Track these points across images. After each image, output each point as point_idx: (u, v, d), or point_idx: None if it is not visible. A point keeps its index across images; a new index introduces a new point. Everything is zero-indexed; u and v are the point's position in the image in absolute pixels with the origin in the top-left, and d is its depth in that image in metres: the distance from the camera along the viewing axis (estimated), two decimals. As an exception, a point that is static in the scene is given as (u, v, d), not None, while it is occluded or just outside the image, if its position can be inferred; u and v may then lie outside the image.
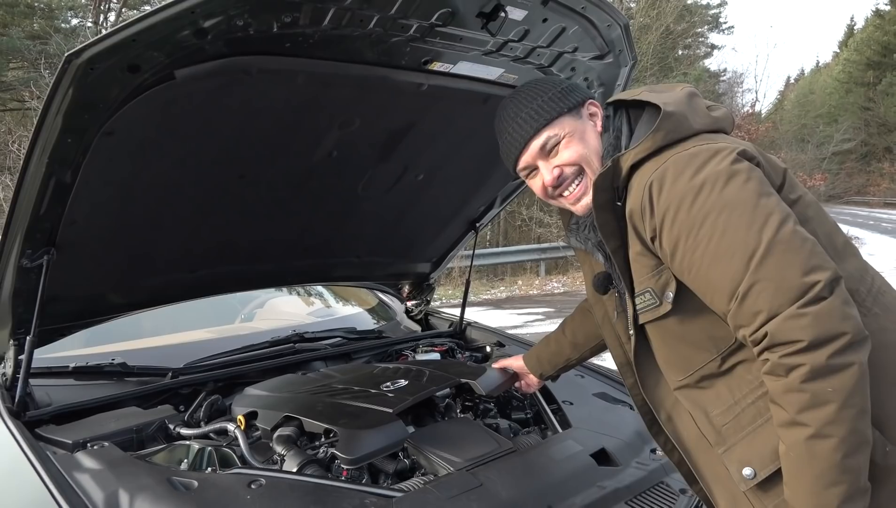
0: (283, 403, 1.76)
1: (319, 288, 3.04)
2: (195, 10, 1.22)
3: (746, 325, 1.09)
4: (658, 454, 1.84)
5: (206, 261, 2.01)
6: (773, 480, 1.16)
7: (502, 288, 11.67)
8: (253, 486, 1.39)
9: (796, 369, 1.03)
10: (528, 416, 2.05)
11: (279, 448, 1.60)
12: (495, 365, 1.99)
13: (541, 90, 1.37)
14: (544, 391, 2.09)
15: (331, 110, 1.74)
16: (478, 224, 2.58)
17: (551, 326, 8.21)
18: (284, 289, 3.01)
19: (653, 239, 1.19)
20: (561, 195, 1.38)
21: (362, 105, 1.77)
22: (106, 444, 1.54)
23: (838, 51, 54.83)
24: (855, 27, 52.86)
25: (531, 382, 1.95)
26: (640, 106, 1.31)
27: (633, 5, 21.67)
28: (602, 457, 1.73)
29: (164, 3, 1.23)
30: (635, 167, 1.22)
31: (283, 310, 2.81)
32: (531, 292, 11.24)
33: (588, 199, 1.33)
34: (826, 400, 1.02)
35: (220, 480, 1.42)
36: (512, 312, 9.22)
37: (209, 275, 2.05)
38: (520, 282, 12.10)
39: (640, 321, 1.30)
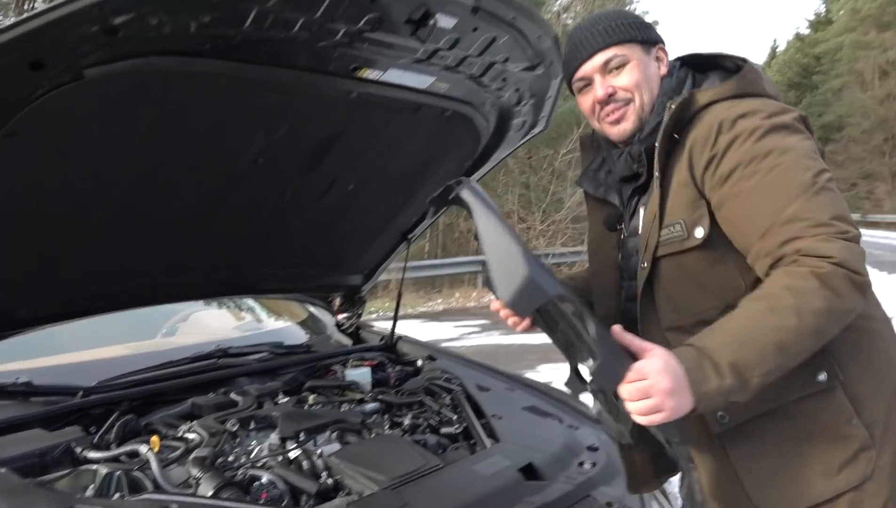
0: None
1: (247, 301, 2.94)
2: (103, 6, 1.15)
3: (777, 246, 1.17)
4: (586, 466, 1.83)
5: (122, 273, 1.89)
6: (742, 430, 1.27)
7: (440, 300, 11.65)
8: (163, 512, 1.30)
9: (816, 267, 1.11)
10: (458, 431, 2.01)
11: (194, 471, 1.51)
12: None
13: (625, 15, 1.44)
14: (474, 405, 2.06)
15: (256, 116, 1.67)
16: (410, 236, 2.54)
17: (488, 338, 8.27)
18: (210, 302, 2.90)
19: (707, 166, 1.27)
20: (605, 116, 1.44)
21: (289, 111, 1.71)
22: (2, 470, 1.42)
23: (762, 72, 57.33)
24: (777, 49, 55.51)
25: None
26: (708, 67, 1.44)
27: (569, 21, 22.18)
28: (530, 472, 1.71)
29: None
30: (707, 106, 1.31)
31: (207, 324, 2.70)
32: (468, 305, 11.27)
33: (626, 125, 1.41)
34: (812, 299, 1.10)
35: (128, 507, 1.33)
36: (449, 324, 9.21)
37: (125, 287, 1.94)
38: (457, 294, 12.11)
39: (660, 253, 1.34)
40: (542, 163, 15.56)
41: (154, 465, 1.51)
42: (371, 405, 2.09)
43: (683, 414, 1.08)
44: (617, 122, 1.42)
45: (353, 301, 2.73)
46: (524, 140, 2.26)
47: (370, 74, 1.69)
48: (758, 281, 1.24)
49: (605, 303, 1.56)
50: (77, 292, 1.89)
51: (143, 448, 1.58)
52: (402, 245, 2.57)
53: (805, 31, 48.34)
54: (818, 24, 46.53)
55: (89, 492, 1.45)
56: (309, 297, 2.75)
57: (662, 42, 1.45)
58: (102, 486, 1.47)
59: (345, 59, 1.59)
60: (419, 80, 1.78)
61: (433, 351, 2.59)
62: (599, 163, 1.58)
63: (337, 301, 2.76)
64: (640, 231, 1.43)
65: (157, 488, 1.47)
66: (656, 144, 1.34)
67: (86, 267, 1.84)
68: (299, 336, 2.67)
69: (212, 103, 1.54)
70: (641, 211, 1.44)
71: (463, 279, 13.35)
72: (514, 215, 14.87)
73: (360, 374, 2.32)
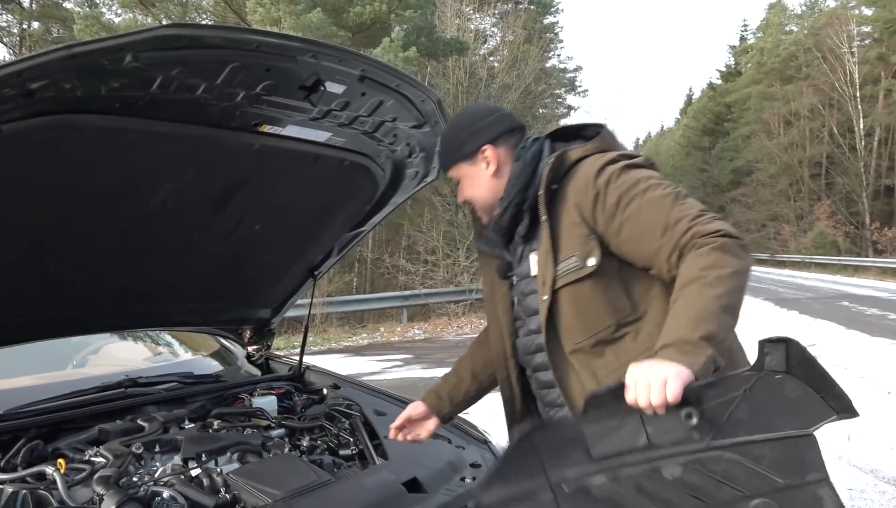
0: None
1: (159, 333, 3.04)
2: (22, 73, 1.32)
3: (678, 244, 1.46)
4: (466, 480, 2.04)
5: (31, 305, 2.01)
6: None
7: (364, 335, 11.74)
8: (66, 524, 1.43)
9: (712, 243, 1.41)
10: (354, 452, 2.19)
11: (98, 489, 1.64)
12: (396, 423, 2.02)
13: (451, 138, 1.80)
14: (370, 428, 2.25)
15: (164, 165, 1.85)
16: (317, 272, 2.73)
17: (409, 372, 8.44)
18: (123, 335, 2.99)
19: (595, 203, 1.57)
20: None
21: (195, 160, 1.89)
22: None
23: (679, 117, 60.50)
24: (693, 97, 58.64)
25: (428, 429, 2.04)
26: (569, 137, 1.77)
27: (496, 65, 22.99)
28: (413, 485, 1.91)
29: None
30: (579, 161, 1.64)
31: (118, 356, 2.79)
32: (392, 339, 11.41)
33: (484, 218, 1.81)
34: (724, 264, 1.38)
35: (33, 521, 1.45)
36: (372, 358, 9.32)
37: (35, 319, 2.05)
38: (382, 329, 12.24)
39: (559, 285, 1.60)
40: (467, 201, 15.95)
41: (60, 484, 1.63)
42: (276, 431, 2.25)
43: (688, 378, 1.23)
44: (480, 214, 1.83)
45: (263, 334, 2.89)
46: (419, 187, 2.50)
47: (271, 129, 1.89)
48: (641, 298, 1.57)
49: (502, 343, 1.84)
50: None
51: (49, 469, 1.70)
52: (309, 281, 2.76)
53: (717, 81, 51.39)
54: (728, 75, 49.61)
55: (-6, 510, 1.57)
56: (220, 330, 2.89)
57: (488, 141, 1.74)
58: (8, 504, 1.58)
59: (246, 116, 1.79)
60: (317, 134, 2.00)
61: (338, 380, 2.77)
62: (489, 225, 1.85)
63: (247, 334, 2.91)
64: (533, 272, 1.69)
65: (63, 505, 1.59)
66: (539, 194, 1.63)
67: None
68: (209, 367, 2.79)
69: (122, 154, 1.71)
70: (532, 257, 1.69)
71: (389, 314, 13.49)
72: (440, 250, 15.17)
73: (267, 402, 2.48)
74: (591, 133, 1.73)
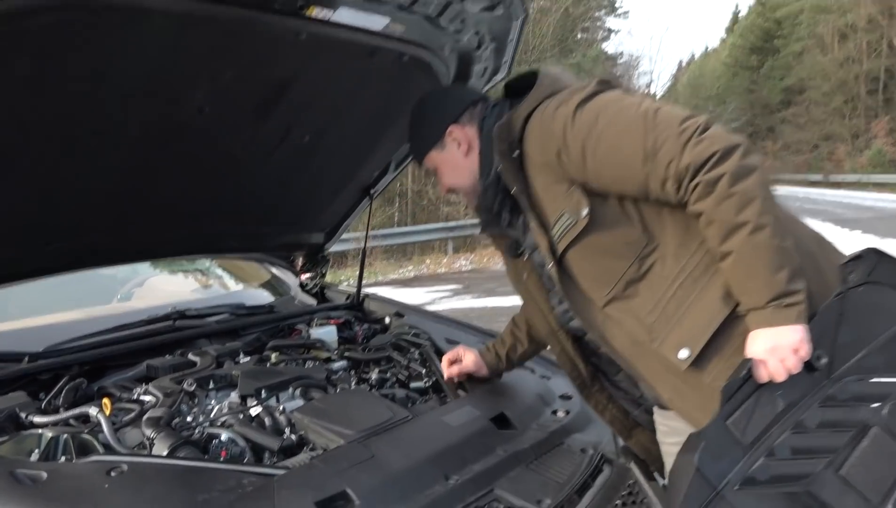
0: None
1: (207, 264, 2.85)
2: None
3: (668, 174, 1.27)
4: (559, 414, 1.81)
5: (62, 232, 1.79)
6: (706, 355, 1.32)
7: (410, 268, 11.59)
8: (113, 473, 1.23)
9: (721, 178, 1.23)
10: (427, 385, 1.97)
11: (148, 431, 1.44)
12: (446, 361, 1.93)
13: (415, 125, 1.66)
14: (441, 358, 2.01)
15: (197, 59, 1.57)
16: (372, 191, 2.47)
17: (460, 302, 8.27)
18: (168, 266, 2.80)
19: (559, 158, 1.39)
20: None
21: (234, 54, 1.61)
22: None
23: (725, 36, 57.80)
24: (739, 14, 55.77)
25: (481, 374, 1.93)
26: (523, 87, 1.52)
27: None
28: (502, 422, 1.67)
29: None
30: (527, 119, 1.44)
31: (164, 289, 2.61)
32: (439, 271, 11.24)
33: (469, 202, 1.67)
34: (752, 196, 1.23)
35: (75, 469, 1.26)
36: (421, 290, 9.18)
37: (67, 248, 1.84)
38: (428, 261, 12.07)
39: (561, 247, 1.44)
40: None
41: (105, 427, 1.44)
42: (338, 363, 2.04)
43: (805, 331, 1.23)
44: (467, 200, 1.68)
45: (317, 260, 2.66)
46: (488, 87, 2.18)
47: (319, 13, 1.59)
48: (653, 223, 1.38)
49: (544, 319, 1.66)
50: (11, 254, 1.76)
51: (93, 411, 1.50)
52: (364, 201, 2.50)
53: (767, -7, 48.56)
54: (779, -14, 46.78)
55: (34, 457, 1.38)
56: (270, 257, 2.67)
57: (452, 121, 1.58)
58: (48, 450, 1.40)
59: (291, -6, 1.49)
60: (372, 20, 1.69)
61: (401, 308, 2.54)
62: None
63: (299, 261, 2.69)
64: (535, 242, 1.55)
65: (109, 450, 1.40)
66: (498, 170, 1.49)
67: (19, 228, 1.72)
68: (261, 298, 2.60)
69: (147, 43, 1.44)
70: (533, 226, 1.53)
71: (433, 246, 13.30)
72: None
73: (326, 332, 2.27)
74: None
